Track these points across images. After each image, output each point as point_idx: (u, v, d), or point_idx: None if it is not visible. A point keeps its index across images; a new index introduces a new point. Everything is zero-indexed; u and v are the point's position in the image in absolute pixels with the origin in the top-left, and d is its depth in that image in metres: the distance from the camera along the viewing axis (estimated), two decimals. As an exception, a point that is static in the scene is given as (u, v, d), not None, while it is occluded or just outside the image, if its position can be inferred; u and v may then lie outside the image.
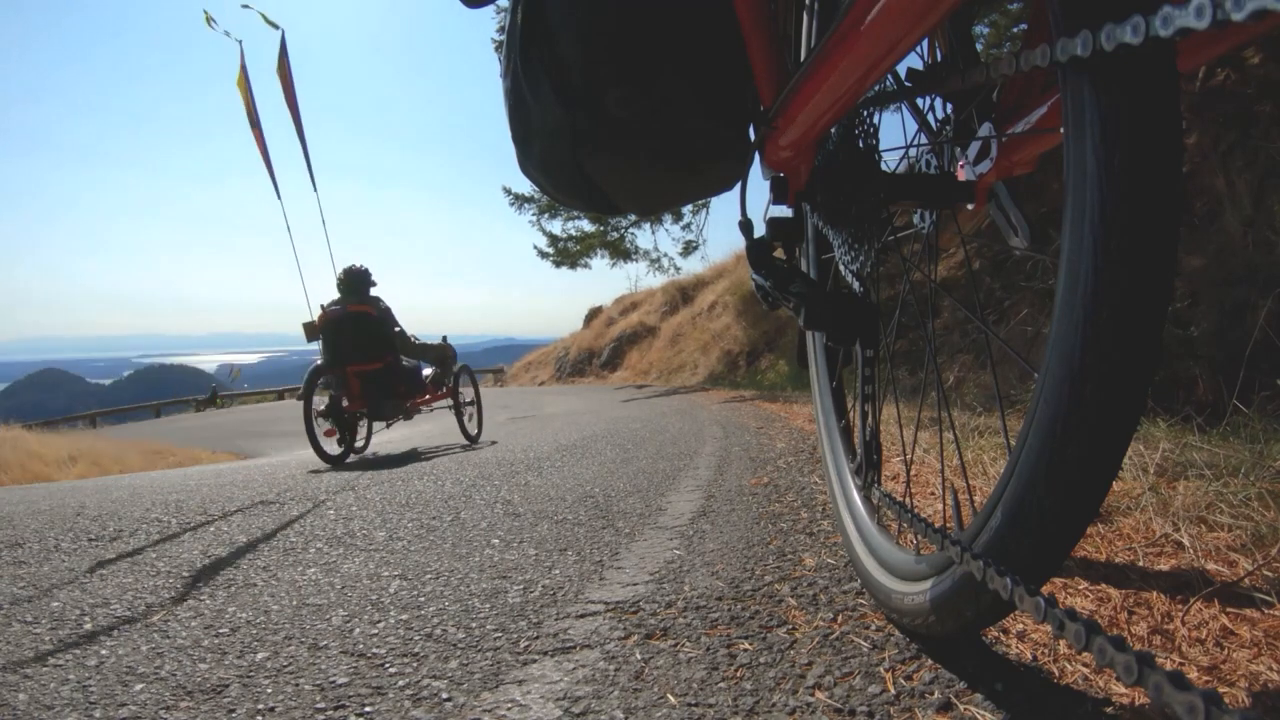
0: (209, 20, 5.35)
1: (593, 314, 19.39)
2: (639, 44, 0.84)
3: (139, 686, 0.83)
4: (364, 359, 3.77)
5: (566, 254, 11.07)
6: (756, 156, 0.96)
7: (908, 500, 0.85)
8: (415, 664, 0.85)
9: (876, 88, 0.79)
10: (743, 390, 8.16)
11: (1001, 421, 1.09)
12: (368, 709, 0.75)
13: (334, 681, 0.81)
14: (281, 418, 13.21)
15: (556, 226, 10.85)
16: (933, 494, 1.58)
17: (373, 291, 4.00)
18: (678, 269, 12.21)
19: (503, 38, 1.56)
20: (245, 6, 5.26)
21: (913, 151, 0.88)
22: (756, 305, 9.44)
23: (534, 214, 10.49)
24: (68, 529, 1.76)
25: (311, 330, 3.82)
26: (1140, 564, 0.98)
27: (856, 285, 0.90)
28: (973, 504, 1.00)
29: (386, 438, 5.00)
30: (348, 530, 1.63)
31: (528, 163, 1.01)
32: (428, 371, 4.38)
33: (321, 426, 3.58)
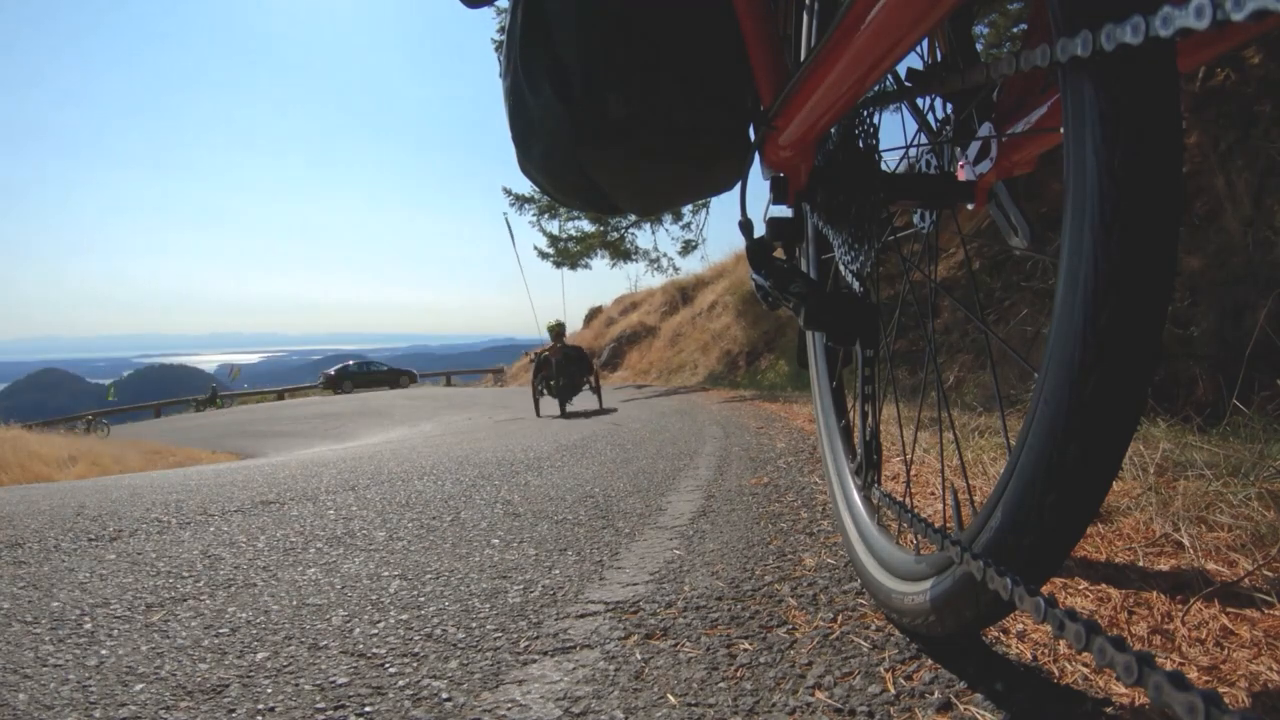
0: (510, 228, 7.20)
1: (593, 314, 19.39)
2: (639, 44, 0.84)
3: (139, 686, 0.83)
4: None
5: (566, 254, 11.06)
6: (756, 156, 0.95)
7: (908, 500, 0.85)
8: (415, 664, 0.85)
9: (876, 88, 0.79)
10: (743, 390, 8.16)
11: (1001, 421, 1.09)
12: (368, 709, 0.75)
13: (334, 681, 0.81)
14: (281, 417, 13.21)
15: (556, 226, 10.85)
16: (933, 494, 1.58)
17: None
18: (677, 269, 12.22)
19: (503, 38, 1.55)
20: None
21: (913, 151, 0.88)
22: (756, 305, 9.43)
23: (534, 214, 10.49)
24: (68, 529, 1.76)
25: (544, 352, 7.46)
26: (1140, 564, 0.98)
27: (856, 285, 0.90)
28: (973, 504, 1.01)
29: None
30: (348, 530, 1.63)
31: (528, 163, 1.00)
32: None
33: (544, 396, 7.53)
